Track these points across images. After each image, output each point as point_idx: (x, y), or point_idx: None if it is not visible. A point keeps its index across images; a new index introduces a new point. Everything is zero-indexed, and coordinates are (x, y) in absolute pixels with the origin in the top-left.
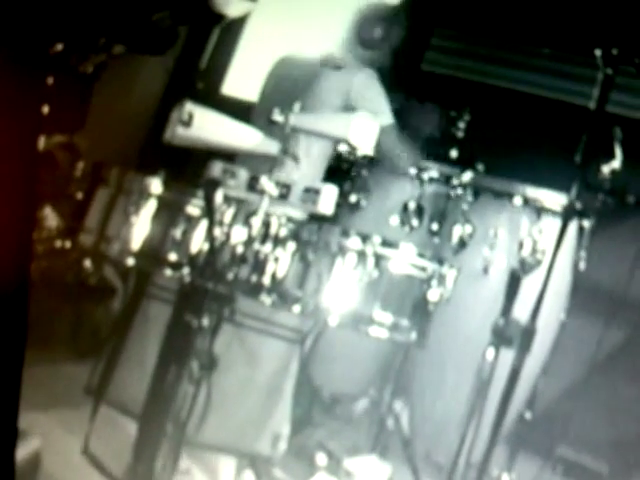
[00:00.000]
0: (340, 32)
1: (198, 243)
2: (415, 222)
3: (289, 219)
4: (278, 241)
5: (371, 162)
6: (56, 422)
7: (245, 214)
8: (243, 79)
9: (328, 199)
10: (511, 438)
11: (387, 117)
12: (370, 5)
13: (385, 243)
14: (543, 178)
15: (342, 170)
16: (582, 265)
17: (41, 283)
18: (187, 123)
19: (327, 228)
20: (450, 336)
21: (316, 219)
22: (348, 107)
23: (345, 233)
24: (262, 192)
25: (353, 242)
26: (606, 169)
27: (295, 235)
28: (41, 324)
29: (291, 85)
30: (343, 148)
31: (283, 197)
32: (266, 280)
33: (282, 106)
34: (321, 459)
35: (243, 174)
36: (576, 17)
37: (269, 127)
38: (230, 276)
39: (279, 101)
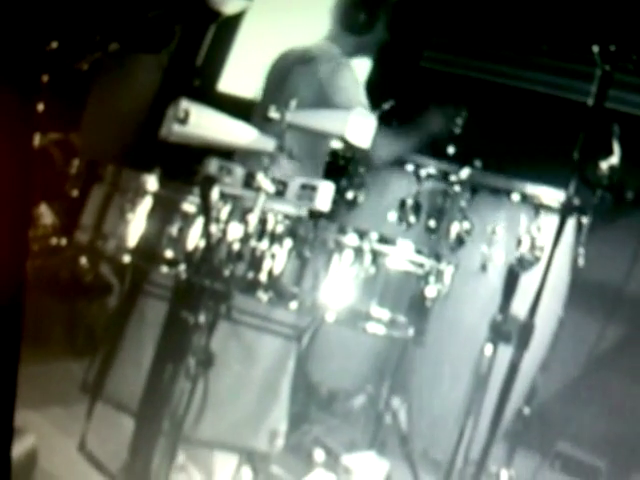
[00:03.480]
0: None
1: (194, 240)
2: (412, 219)
3: (286, 216)
4: (275, 238)
5: (368, 159)
6: (52, 420)
7: (241, 211)
8: (239, 76)
9: (325, 196)
10: (509, 434)
11: (362, 107)
12: None
13: (382, 240)
14: (541, 175)
15: (339, 167)
16: (581, 261)
17: (37, 281)
18: (183, 120)
19: (324, 225)
20: (448, 332)
21: (313, 216)
22: (319, 100)
23: (342, 230)
24: (258, 189)
25: (350, 239)
26: (604, 165)
27: (292, 232)
28: (37, 322)
29: (274, 81)
30: (339, 145)
31: (279, 194)
32: (263, 277)
33: (267, 102)
34: (319, 455)
35: (239, 171)
36: (574, 14)
37: (265, 123)
38: (226, 273)
39: (266, 98)
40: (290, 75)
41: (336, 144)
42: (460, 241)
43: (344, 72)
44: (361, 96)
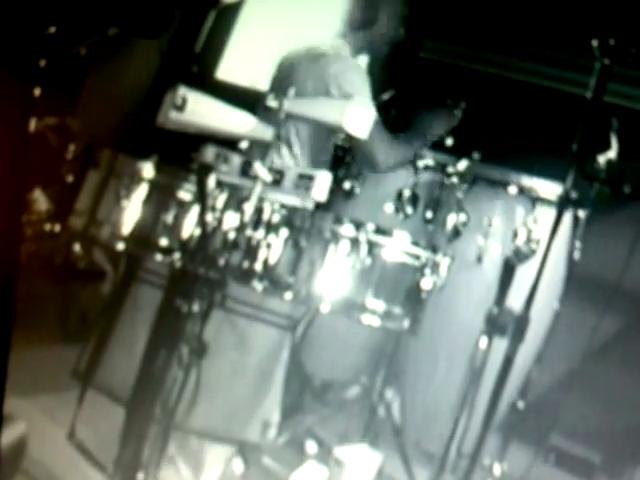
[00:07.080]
0: (334, 18)
1: (190, 228)
2: (409, 210)
3: (282, 205)
4: (271, 227)
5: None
6: (42, 407)
7: (237, 200)
8: (238, 64)
9: (322, 186)
10: (503, 427)
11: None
12: None
13: (379, 230)
14: (539, 167)
15: (336, 157)
16: (577, 255)
17: (30, 266)
18: (180, 107)
19: (320, 215)
20: (443, 324)
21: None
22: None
23: (338, 220)
24: (255, 178)
25: (346, 229)
26: (602, 159)
27: (288, 221)
28: (29, 307)
29: (280, 78)
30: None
31: (276, 183)
32: (258, 266)
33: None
34: (311, 447)
35: (236, 159)
36: (574, 6)
37: (267, 115)
38: (221, 262)
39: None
40: (295, 71)
41: (338, 135)
42: (456, 232)
43: (353, 74)
44: (367, 97)
